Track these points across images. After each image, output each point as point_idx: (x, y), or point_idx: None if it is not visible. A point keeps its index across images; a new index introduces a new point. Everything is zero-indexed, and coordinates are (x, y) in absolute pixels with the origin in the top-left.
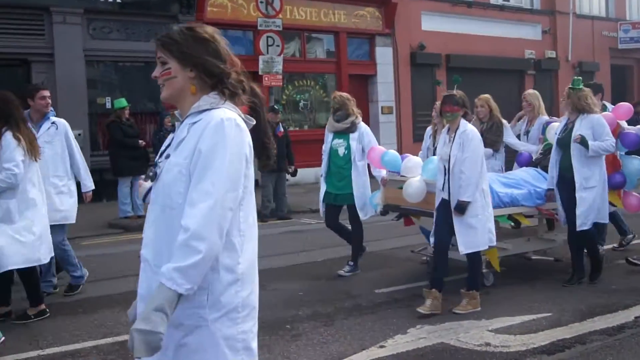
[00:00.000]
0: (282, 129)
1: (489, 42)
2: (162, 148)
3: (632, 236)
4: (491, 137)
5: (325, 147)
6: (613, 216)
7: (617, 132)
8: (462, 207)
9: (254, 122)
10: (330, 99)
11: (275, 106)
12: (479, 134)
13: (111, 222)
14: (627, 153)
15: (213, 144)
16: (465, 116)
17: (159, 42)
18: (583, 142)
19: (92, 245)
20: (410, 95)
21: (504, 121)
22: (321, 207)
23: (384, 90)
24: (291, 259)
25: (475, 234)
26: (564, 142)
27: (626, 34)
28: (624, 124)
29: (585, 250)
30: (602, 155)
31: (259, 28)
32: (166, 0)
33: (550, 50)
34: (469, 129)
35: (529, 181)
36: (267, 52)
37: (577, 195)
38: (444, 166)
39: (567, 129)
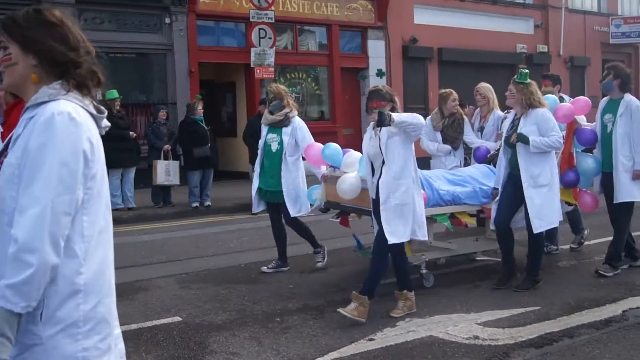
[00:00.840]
0: None
1: (481, 36)
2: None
3: (586, 232)
4: (451, 133)
5: (260, 142)
6: (572, 213)
7: (574, 127)
8: (382, 120)
9: (105, 113)
10: (322, 92)
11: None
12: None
13: None
14: (584, 150)
15: (41, 143)
16: (393, 110)
17: (0, 24)
18: (521, 138)
19: None
20: (402, 88)
21: (465, 117)
22: (254, 204)
23: (376, 83)
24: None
25: (397, 226)
26: (511, 139)
27: (618, 29)
28: (582, 119)
29: (528, 254)
30: (549, 152)
31: (251, 20)
32: None
33: (542, 45)
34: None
35: (477, 178)
36: (259, 45)
37: (525, 194)
38: (372, 163)
39: (514, 126)
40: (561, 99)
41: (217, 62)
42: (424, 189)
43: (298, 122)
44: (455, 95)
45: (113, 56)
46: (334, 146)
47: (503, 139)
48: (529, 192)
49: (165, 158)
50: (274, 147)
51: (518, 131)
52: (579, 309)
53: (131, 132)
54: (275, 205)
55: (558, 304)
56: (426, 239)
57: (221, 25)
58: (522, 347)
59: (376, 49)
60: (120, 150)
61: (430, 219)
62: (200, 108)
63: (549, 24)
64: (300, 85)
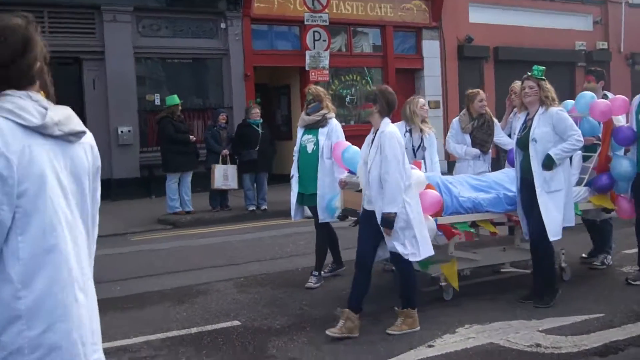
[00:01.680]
0: None
1: (538, 34)
2: None
3: (605, 261)
4: (481, 135)
5: (296, 146)
6: (604, 227)
7: (611, 128)
8: (388, 221)
9: (37, 123)
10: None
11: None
12: (396, 134)
13: (160, 218)
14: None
15: None
16: (381, 112)
17: None
18: (547, 164)
19: (141, 240)
20: (457, 89)
21: (495, 120)
22: (293, 212)
23: (431, 84)
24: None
25: (399, 244)
26: (523, 141)
27: None
28: (619, 120)
29: (533, 266)
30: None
31: (306, 23)
32: None
33: (601, 42)
34: (387, 130)
35: (503, 184)
36: (314, 47)
37: (538, 200)
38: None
39: (527, 127)
40: (604, 97)
41: (272, 66)
42: (442, 195)
43: (335, 124)
44: (482, 95)
45: (170, 62)
46: (354, 150)
47: (515, 140)
48: (542, 198)
49: (224, 162)
50: (310, 147)
51: (531, 133)
52: None
53: (191, 136)
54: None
55: (623, 311)
56: (425, 255)
57: (275, 29)
58: (586, 355)
59: (431, 50)
60: (179, 154)
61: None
62: (256, 111)
63: (609, 20)
64: (355, 87)
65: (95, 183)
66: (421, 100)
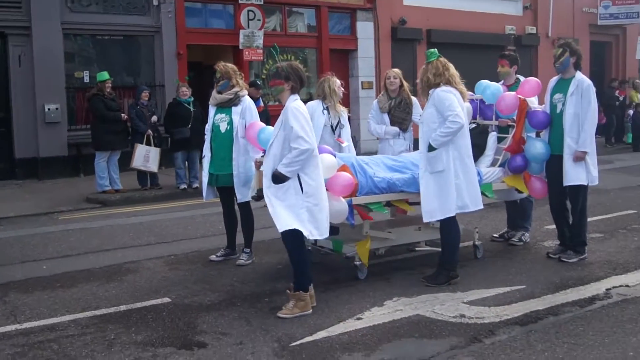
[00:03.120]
0: (261, 104)
1: (470, 18)
2: None
3: (523, 238)
4: (399, 114)
5: (208, 125)
6: (526, 205)
7: (525, 110)
8: (277, 178)
9: None
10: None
11: (258, 81)
12: (301, 108)
13: (89, 197)
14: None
15: None
16: (293, 90)
17: None
18: (430, 150)
19: (70, 219)
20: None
21: (414, 99)
22: (204, 192)
23: (365, 65)
24: (271, 233)
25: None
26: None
27: (606, 10)
28: (533, 101)
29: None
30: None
31: (240, 2)
32: None
33: (530, 26)
34: (290, 105)
35: (419, 165)
36: (248, 26)
37: (420, 180)
38: None
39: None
40: (517, 81)
41: (205, 44)
42: (356, 175)
43: (249, 102)
44: (392, 73)
45: (101, 38)
46: (270, 130)
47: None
48: (424, 178)
49: (148, 143)
50: (223, 127)
51: (421, 115)
52: (563, 288)
53: (122, 114)
54: (228, 189)
55: (543, 283)
56: (317, 237)
57: (209, 7)
58: (508, 324)
59: (365, 31)
60: (110, 132)
61: (365, 208)
62: (183, 90)
63: (538, 5)
64: None
65: None
66: (338, 81)
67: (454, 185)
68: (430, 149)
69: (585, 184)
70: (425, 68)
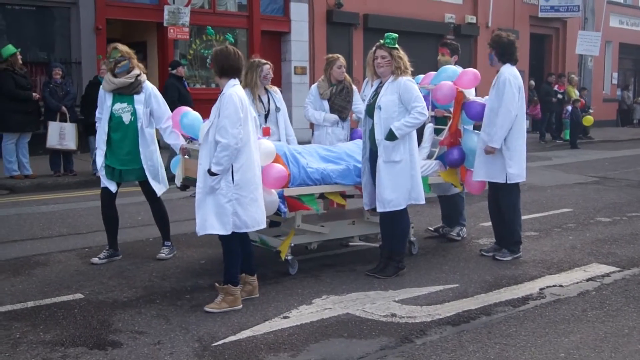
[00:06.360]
0: (185, 86)
1: (409, 4)
2: None
3: (460, 233)
4: (340, 102)
5: (103, 113)
6: (458, 201)
7: (462, 101)
8: (211, 173)
9: None
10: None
11: (183, 61)
12: (235, 97)
13: None
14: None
15: None
16: (223, 75)
17: None
18: (389, 138)
19: None
20: (325, 55)
21: (354, 87)
22: (105, 182)
23: (298, 49)
24: (193, 226)
25: (214, 217)
26: (371, 109)
27: (547, 2)
28: (470, 93)
29: (381, 241)
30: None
31: None
32: None
33: (470, 16)
34: (226, 93)
35: (354, 156)
36: (174, 2)
37: (377, 169)
38: None
39: (377, 94)
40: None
41: (127, 20)
42: (288, 165)
43: (152, 88)
44: (342, 61)
45: (10, 8)
46: (193, 115)
47: (365, 107)
48: (380, 167)
49: (62, 120)
50: (127, 118)
51: (377, 100)
52: (497, 287)
53: (34, 94)
54: (117, 185)
55: (477, 282)
56: (219, 232)
57: None
58: (439, 324)
59: (299, 13)
60: (20, 112)
61: (297, 200)
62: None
63: None
64: None
65: None
66: (266, 67)
67: (409, 177)
68: (391, 137)
69: (501, 181)
70: (400, 53)
